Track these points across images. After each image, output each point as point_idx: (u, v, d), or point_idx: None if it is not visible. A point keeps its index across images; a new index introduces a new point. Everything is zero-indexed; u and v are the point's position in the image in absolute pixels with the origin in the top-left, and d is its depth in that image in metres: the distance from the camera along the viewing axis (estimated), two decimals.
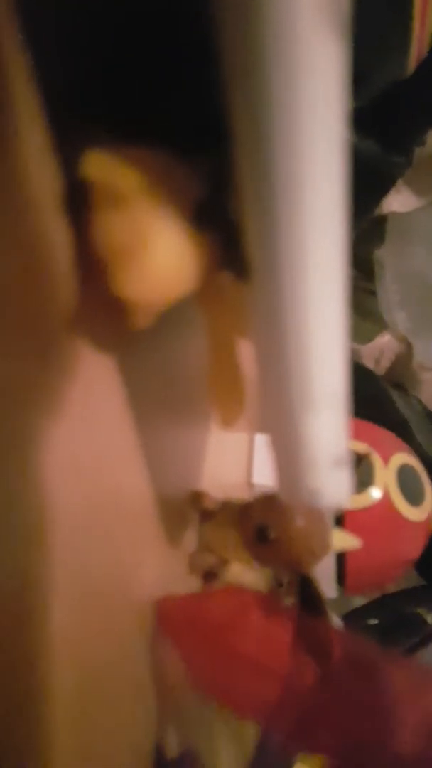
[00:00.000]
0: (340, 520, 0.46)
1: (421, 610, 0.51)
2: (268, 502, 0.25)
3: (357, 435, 0.50)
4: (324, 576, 0.40)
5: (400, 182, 0.61)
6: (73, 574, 0.15)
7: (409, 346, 0.69)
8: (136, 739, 0.21)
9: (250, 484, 0.43)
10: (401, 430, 0.56)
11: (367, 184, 0.67)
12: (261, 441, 0.45)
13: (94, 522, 0.17)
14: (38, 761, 0.13)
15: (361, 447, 0.49)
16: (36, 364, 0.14)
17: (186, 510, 0.27)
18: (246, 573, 0.28)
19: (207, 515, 0.27)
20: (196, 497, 0.28)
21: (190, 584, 0.27)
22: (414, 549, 0.50)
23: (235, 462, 0.40)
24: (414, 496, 0.49)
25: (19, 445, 0.13)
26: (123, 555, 0.19)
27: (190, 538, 0.28)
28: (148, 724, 0.22)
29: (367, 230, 0.73)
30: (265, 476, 0.43)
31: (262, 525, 0.24)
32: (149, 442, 0.22)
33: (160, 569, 0.24)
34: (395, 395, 0.61)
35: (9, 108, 0.12)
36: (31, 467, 0.13)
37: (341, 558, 0.47)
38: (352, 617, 0.56)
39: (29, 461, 0.13)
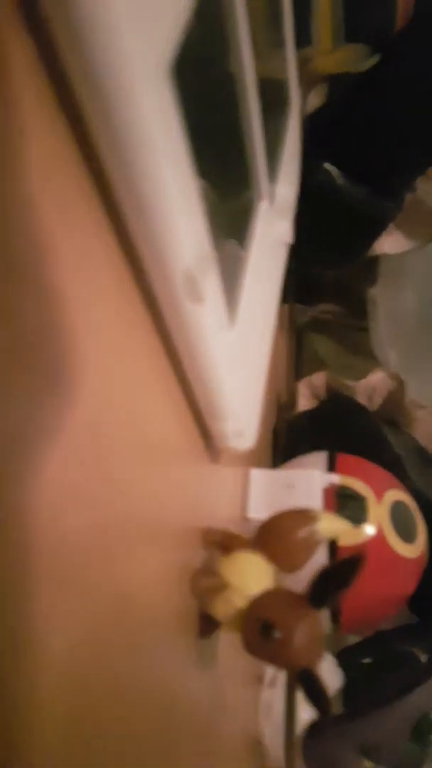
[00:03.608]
0: (334, 555, 0.46)
1: (414, 649, 0.51)
2: (276, 597, 0.25)
3: (350, 471, 0.51)
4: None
5: (391, 225, 0.63)
6: (74, 599, 0.16)
7: (401, 384, 0.70)
8: None
9: (245, 519, 0.43)
10: (394, 466, 0.56)
11: (360, 228, 0.69)
12: (257, 476, 0.45)
13: (94, 546, 0.17)
14: None
15: (356, 483, 0.49)
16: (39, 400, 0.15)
17: (186, 542, 0.28)
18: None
19: (222, 548, 0.28)
20: (207, 533, 0.29)
21: (190, 611, 0.28)
22: (407, 586, 0.51)
23: (230, 496, 0.40)
24: (407, 533, 0.50)
25: (19, 463, 0.14)
26: (122, 579, 0.20)
27: (190, 567, 0.28)
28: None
29: (360, 270, 0.76)
30: (260, 511, 0.43)
31: (267, 621, 0.24)
32: (150, 474, 0.23)
33: (158, 597, 0.24)
34: (388, 432, 0.62)
35: None
36: (28, 492, 0.14)
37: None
38: (346, 655, 0.55)
39: (28, 485, 0.14)
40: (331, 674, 0.50)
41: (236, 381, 0.28)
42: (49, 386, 0.15)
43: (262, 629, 0.23)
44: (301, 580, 0.26)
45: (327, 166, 0.53)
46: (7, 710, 0.13)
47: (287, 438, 0.64)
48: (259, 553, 0.27)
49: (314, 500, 0.44)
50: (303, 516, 0.28)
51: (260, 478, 0.45)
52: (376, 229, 0.67)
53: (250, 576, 0.26)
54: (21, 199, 0.14)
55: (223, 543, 0.28)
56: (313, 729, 0.46)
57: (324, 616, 0.28)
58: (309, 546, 0.27)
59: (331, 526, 0.28)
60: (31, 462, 0.14)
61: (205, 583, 0.26)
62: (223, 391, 0.26)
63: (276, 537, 0.28)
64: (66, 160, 0.16)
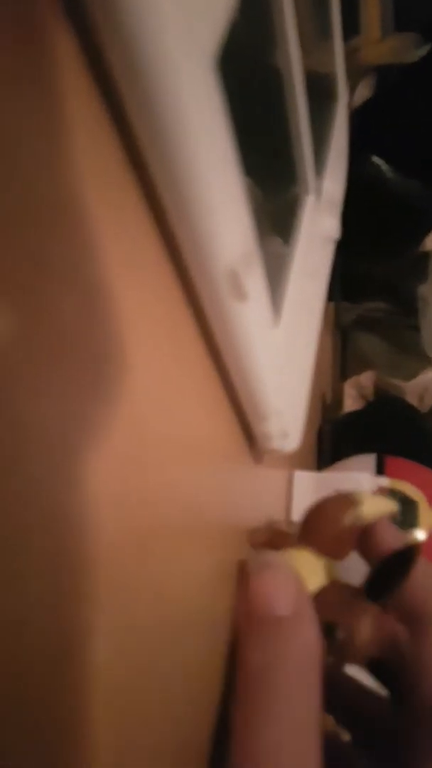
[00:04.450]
0: None
1: None
2: (334, 594, 0.24)
3: (401, 474, 0.49)
4: None
5: None
6: (118, 601, 0.16)
7: None
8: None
9: (289, 522, 0.42)
10: None
11: (409, 222, 0.67)
12: (301, 478, 0.44)
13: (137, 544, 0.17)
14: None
15: (409, 489, 0.48)
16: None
17: (229, 544, 0.27)
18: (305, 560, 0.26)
19: (270, 548, 0.27)
20: (254, 533, 0.28)
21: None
22: None
23: (274, 499, 0.40)
24: None
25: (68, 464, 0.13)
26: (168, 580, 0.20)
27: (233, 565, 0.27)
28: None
29: (410, 267, 0.73)
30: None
31: (331, 623, 0.23)
32: (194, 474, 0.22)
33: (203, 599, 0.24)
34: None
35: None
36: (78, 491, 0.14)
37: None
38: None
39: (77, 484, 0.14)
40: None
41: (281, 381, 0.27)
42: (95, 383, 0.15)
43: (325, 631, 0.22)
44: (352, 566, 0.26)
45: (375, 159, 0.52)
46: (57, 721, 0.12)
47: (333, 440, 0.63)
48: (308, 547, 0.26)
49: None
50: (345, 501, 0.27)
51: (305, 480, 0.44)
52: (426, 223, 0.65)
53: (305, 574, 0.24)
54: (70, 195, 0.14)
55: (271, 543, 0.27)
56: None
57: None
58: (355, 531, 0.26)
59: (375, 507, 0.27)
60: (78, 462, 0.14)
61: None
62: (267, 391, 0.26)
63: (321, 526, 0.26)
64: (112, 157, 0.16)
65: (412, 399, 0.68)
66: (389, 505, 0.28)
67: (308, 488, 0.44)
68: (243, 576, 0.21)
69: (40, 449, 0.13)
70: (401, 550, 0.24)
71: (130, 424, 0.17)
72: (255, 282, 0.23)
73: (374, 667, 0.24)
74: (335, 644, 0.23)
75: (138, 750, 0.17)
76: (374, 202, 0.56)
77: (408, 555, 0.23)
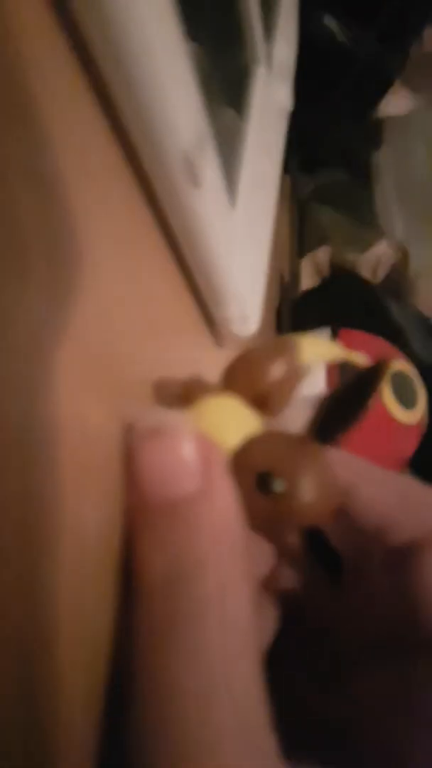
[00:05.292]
0: None
1: None
2: (270, 440, 0.19)
3: (352, 344, 0.52)
4: None
5: (397, 83, 0.59)
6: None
7: (406, 255, 0.69)
8: None
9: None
10: (397, 337, 0.57)
11: (364, 84, 0.65)
12: None
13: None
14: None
15: (357, 357, 0.51)
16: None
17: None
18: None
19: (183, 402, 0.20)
20: (161, 386, 0.21)
21: None
22: (407, 449, 0.54)
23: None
24: (407, 401, 0.52)
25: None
26: None
27: None
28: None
29: (364, 133, 0.71)
30: None
31: (267, 471, 0.17)
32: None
33: None
34: (391, 304, 0.62)
35: None
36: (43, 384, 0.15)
37: None
38: None
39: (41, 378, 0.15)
40: None
41: (238, 266, 0.28)
42: (57, 282, 0.16)
43: (259, 482, 0.17)
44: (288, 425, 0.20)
45: (327, 19, 0.48)
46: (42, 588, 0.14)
47: (291, 318, 0.64)
48: (234, 395, 0.20)
49: (318, 377, 0.45)
50: (278, 345, 0.21)
51: None
52: (381, 86, 0.62)
53: (228, 422, 0.19)
54: (15, 87, 0.13)
55: (184, 395, 0.20)
56: None
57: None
58: (290, 380, 0.21)
59: (314, 351, 0.22)
60: (51, 359, 0.15)
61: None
62: (225, 277, 0.27)
63: (248, 375, 0.21)
64: (55, 42, 0.15)
65: (365, 272, 0.69)
66: (333, 350, 0.23)
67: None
68: (127, 450, 0.15)
69: (10, 352, 0.13)
70: (363, 371, 0.18)
71: (94, 319, 0.18)
72: (209, 166, 0.23)
73: (315, 540, 0.19)
74: (273, 500, 0.17)
75: None
76: (327, 65, 0.53)
77: (369, 378, 0.17)
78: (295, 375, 0.21)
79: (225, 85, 0.34)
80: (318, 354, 0.22)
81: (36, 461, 0.14)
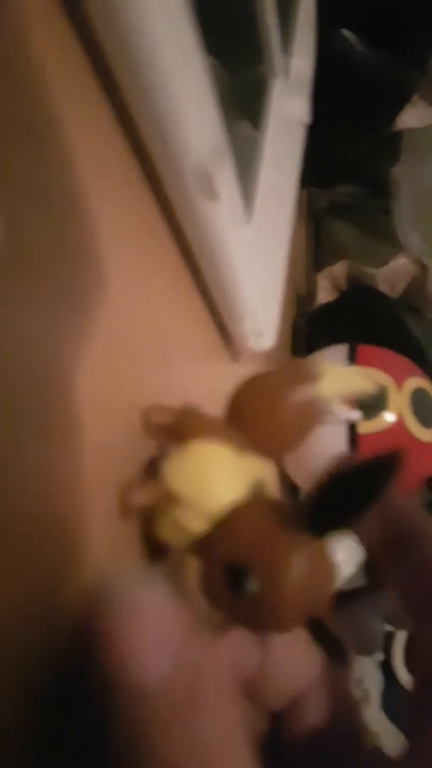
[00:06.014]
0: (354, 444, 0.47)
1: None
2: (253, 517, 0.15)
3: (371, 361, 0.51)
4: None
5: (415, 96, 0.58)
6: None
7: (424, 269, 0.68)
8: None
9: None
10: (415, 354, 0.56)
11: (381, 99, 0.64)
12: None
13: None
14: None
15: (376, 374, 0.50)
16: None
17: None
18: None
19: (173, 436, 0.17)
20: (151, 413, 0.18)
21: None
22: (426, 468, 0.52)
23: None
24: (427, 419, 0.51)
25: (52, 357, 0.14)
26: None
27: None
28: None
29: (381, 148, 0.71)
30: None
31: (239, 564, 0.14)
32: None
33: None
34: (409, 319, 0.61)
35: None
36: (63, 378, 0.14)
37: None
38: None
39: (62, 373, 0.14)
40: (350, 551, 0.54)
41: (254, 280, 0.27)
42: (74, 296, 0.15)
43: (230, 576, 0.14)
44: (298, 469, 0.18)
45: (345, 32, 0.48)
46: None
47: (307, 333, 0.64)
48: (229, 439, 0.17)
49: (338, 415, 0.44)
50: (298, 372, 0.18)
51: None
52: (398, 100, 0.62)
53: (213, 480, 0.16)
54: (33, 106, 0.13)
55: (176, 428, 0.17)
56: (339, 599, 0.47)
57: None
58: (308, 416, 0.17)
59: (339, 384, 0.18)
60: (65, 372, 0.15)
61: (142, 495, 0.16)
62: (241, 292, 0.26)
63: (257, 404, 0.17)
64: (73, 56, 0.15)
65: (383, 286, 0.68)
66: (361, 383, 0.20)
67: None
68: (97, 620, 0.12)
69: (29, 369, 0.13)
70: (373, 458, 0.13)
71: (109, 334, 0.17)
72: (225, 179, 0.23)
73: (315, 628, 0.15)
74: (245, 600, 0.14)
75: None
76: (344, 79, 0.53)
77: (382, 466, 0.13)
78: (314, 408, 0.17)
79: (242, 97, 0.34)
80: (341, 386, 0.18)
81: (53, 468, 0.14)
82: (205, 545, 0.15)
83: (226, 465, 0.16)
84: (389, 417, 0.49)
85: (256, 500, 0.16)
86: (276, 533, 0.14)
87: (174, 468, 0.16)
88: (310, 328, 0.63)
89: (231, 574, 0.14)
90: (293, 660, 0.16)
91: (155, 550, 0.17)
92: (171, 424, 0.18)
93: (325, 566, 0.15)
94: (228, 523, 0.15)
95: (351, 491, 0.13)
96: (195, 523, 0.15)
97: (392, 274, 0.68)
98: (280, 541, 0.14)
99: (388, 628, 0.59)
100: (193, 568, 0.15)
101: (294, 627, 0.14)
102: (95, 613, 0.12)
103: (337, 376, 0.18)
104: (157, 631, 0.12)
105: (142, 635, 0.12)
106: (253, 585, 0.13)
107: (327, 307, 0.68)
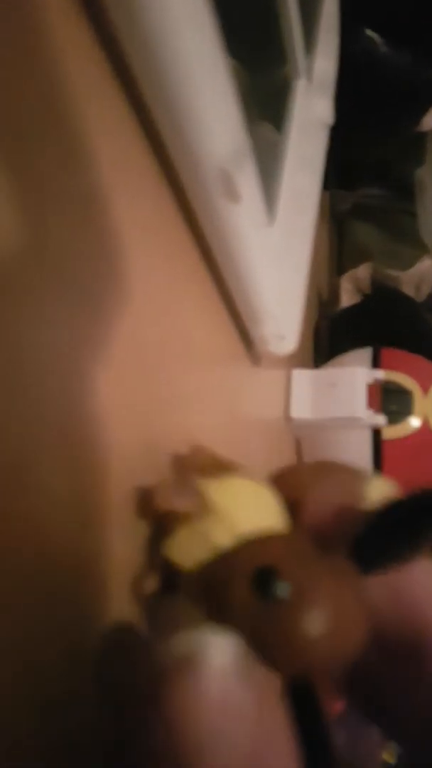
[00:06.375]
0: (378, 450, 0.46)
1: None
2: (289, 543, 0.14)
3: (396, 365, 0.50)
4: None
5: None
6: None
7: None
8: None
9: (288, 418, 0.44)
10: None
11: (406, 100, 0.63)
12: (299, 376, 0.45)
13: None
14: None
15: (401, 378, 0.49)
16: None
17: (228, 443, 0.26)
18: None
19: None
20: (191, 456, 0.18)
21: None
22: None
23: (273, 398, 0.41)
24: None
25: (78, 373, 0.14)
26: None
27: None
28: None
29: (406, 149, 0.70)
30: (303, 411, 0.44)
31: (269, 567, 0.13)
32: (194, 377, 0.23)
33: None
34: None
35: None
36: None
37: None
38: None
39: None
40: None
41: (276, 282, 0.27)
42: (97, 304, 0.15)
43: (258, 579, 0.13)
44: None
45: (368, 33, 0.47)
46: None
47: (330, 336, 0.63)
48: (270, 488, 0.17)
49: (358, 398, 0.44)
50: (351, 476, 0.17)
51: (302, 378, 0.45)
52: (423, 101, 0.61)
53: (254, 503, 0.15)
54: (57, 107, 0.13)
55: (212, 471, 0.17)
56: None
57: None
58: (353, 513, 0.16)
59: (380, 491, 0.16)
60: (87, 379, 0.14)
61: (180, 500, 0.15)
62: (262, 296, 0.26)
63: (308, 490, 0.16)
64: (93, 57, 0.15)
65: (408, 289, 0.67)
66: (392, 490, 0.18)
67: (306, 385, 0.45)
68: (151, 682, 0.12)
69: (55, 375, 0.13)
70: (418, 494, 0.13)
71: (131, 338, 0.17)
72: (247, 181, 0.22)
73: (300, 693, 0.14)
74: (272, 609, 0.12)
75: None
76: (368, 79, 0.52)
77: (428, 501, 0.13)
78: (357, 511, 0.16)
79: (264, 99, 0.34)
80: (382, 495, 0.16)
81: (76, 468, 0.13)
82: (231, 556, 0.14)
83: (267, 499, 0.16)
84: (414, 422, 0.48)
85: (294, 532, 0.15)
86: (315, 556, 0.13)
87: (218, 484, 0.16)
88: (332, 332, 0.62)
89: (259, 577, 0.13)
90: None
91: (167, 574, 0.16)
92: (208, 468, 0.17)
93: (361, 610, 0.13)
94: (262, 540, 0.14)
95: (401, 527, 0.12)
96: (223, 537, 0.14)
97: (417, 277, 0.67)
98: (319, 563, 0.13)
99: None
100: (196, 587, 0.14)
101: (309, 660, 0.13)
102: (161, 678, 0.11)
103: (381, 485, 0.17)
104: (224, 724, 0.11)
105: (209, 726, 0.11)
106: (283, 589, 0.12)
107: (350, 310, 0.67)
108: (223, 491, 0.15)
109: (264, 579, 0.13)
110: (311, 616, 0.12)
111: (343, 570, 0.13)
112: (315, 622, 0.12)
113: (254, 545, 0.14)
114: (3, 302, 0.11)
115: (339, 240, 0.85)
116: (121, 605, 0.15)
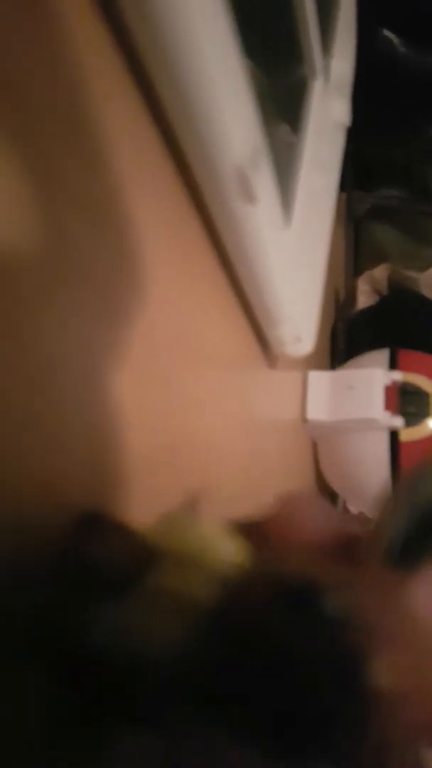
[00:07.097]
0: (395, 452, 0.46)
1: None
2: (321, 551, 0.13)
3: (413, 367, 0.50)
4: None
5: None
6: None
7: None
8: None
9: (304, 420, 0.44)
10: None
11: (424, 100, 0.63)
12: (315, 378, 0.45)
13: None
14: None
15: (419, 379, 0.48)
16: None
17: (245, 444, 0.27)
18: None
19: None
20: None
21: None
22: None
23: (290, 399, 0.40)
24: None
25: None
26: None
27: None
28: None
29: (424, 150, 0.69)
30: (319, 412, 0.44)
31: (306, 578, 0.11)
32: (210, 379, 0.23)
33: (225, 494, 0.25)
34: None
35: None
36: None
37: None
38: None
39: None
40: None
41: (293, 285, 0.27)
42: (114, 305, 0.15)
43: (299, 592, 0.11)
44: None
45: (386, 33, 0.47)
46: None
47: (347, 337, 0.62)
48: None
49: (375, 399, 0.43)
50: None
51: (319, 379, 0.45)
52: None
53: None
54: (74, 106, 0.13)
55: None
56: None
57: None
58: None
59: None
60: (106, 382, 0.14)
61: None
62: (279, 297, 0.26)
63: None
64: (111, 60, 0.15)
65: (426, 290, 0.67)
66: None
67: (323, 387, 0.44)
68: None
69: (73, 376, 0.13)
70: None
71: (147, 339, 0.17)
72: (264, 182, 0.22)
73: None
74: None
75: None
76: (385, 80, 0.52)
77: None
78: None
79: (281, 100, 0.34)
80: None
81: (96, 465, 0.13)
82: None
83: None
84: None
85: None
86: (349, 559, 0.12)
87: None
88: (349, 333, 0.62)
89: (287, 593, 0.11)
90: None
91: None
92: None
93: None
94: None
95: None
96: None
97: None
98: (356, 566, 0.12)
99: None
100: None
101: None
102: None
103: None
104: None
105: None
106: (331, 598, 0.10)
107: (367, 311, 0.66)
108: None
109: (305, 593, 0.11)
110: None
111: (380, 567, 0.12)
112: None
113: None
114: (25, 308, 0.11)
115: (356, 241, 0.85)
116: None
